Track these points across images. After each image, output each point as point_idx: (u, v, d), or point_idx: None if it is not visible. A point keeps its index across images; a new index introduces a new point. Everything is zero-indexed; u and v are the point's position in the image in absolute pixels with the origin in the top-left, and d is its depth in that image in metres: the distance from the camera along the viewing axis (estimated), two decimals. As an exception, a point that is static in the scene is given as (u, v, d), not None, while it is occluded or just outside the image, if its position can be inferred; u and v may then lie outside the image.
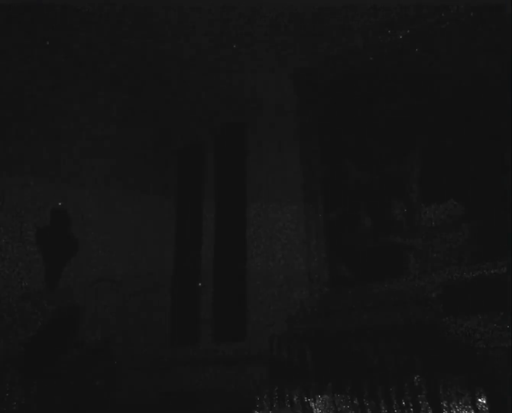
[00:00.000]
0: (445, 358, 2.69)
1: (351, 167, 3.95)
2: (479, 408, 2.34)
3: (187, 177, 5.25)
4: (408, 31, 3.87)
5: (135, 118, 5.33)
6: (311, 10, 4.09)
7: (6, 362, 3.40)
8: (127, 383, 4.15)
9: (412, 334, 2.93)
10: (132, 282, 4.65)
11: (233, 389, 3.74)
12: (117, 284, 4.48)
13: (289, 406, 2.79)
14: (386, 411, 2.55)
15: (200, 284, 4.62)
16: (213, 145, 5.10)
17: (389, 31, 3.96)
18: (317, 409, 2.69)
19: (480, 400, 2.35)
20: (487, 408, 2.33)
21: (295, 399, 2.79)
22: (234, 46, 4.49)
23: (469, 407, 2.36)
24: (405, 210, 3.57)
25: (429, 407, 2.46)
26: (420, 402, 2.49)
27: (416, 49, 3.83)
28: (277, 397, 2.85)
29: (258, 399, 2.89)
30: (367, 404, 2.60)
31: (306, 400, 2.75)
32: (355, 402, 2.63)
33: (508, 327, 2.67)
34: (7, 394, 3.26)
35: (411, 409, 2.50)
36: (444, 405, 2.42)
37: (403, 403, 2.52)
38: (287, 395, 2.83)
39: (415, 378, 2.55)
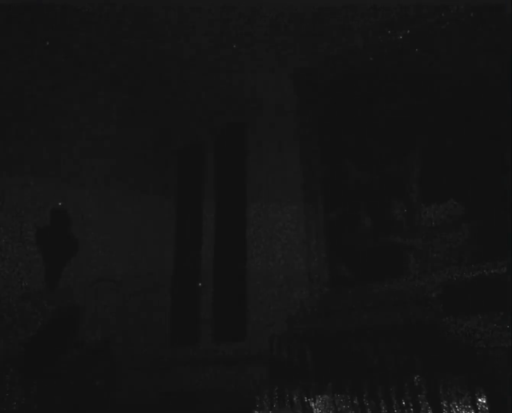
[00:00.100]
0: (445, 358, 2.69)
1: (351, 167, 3.95)
2: (479, 408, 2.34)
3: (187, 177, 5.25)
4: (408, 31, 3.87)
5: (135, 118, 5.33)
6: (311, 10, 4.09)
7: (6, 362, 3.39)
8: (127, 383, 4.15)
9: (412, 334, 2.93)
10: (132, 282, 4.65)
11: (233, 389, 3.74)
12: (117, 284, 4.48)
13: (289, 406, 2.79)
14: (386, 411, 2.55)
15: (200, 284, 4.62)
16: (213, 145, 5.10)
17: (389, 31, 3.96)
18: (317, 409, 2.69)
19: (480, 400, 2.35)
20: (487, 408, 2.33)
21: (295, 399, 2.79)
22: (234, 46, 4.49)
23: (469, 407, 2.36)
24: (405, 210, 3.57)
25: (429, 407, 2.46)
26: (420, 402, 2.49)
27: (416, 49, 3.83)
28: (277, 397, 2.85)
29: (258, 399, 2.89)
30: (367, 404, 2.60)
31: (306, 400, 2.75)
32: (355, 402, 2.63)
33: (508, 327, 2.67)
34: (7, 394, 3.26)
35: (411, 409, 2.50)
36: (444, 405, 2.42)
37: (403, 403, 2.52)
38: (287, 395, 2.83)
39: (415, 378, 2.55)
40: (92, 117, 4.94)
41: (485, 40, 3.49)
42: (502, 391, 2.46)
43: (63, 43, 4.50)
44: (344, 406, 2.64)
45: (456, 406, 2.39)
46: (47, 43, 4.44)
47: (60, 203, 4.27)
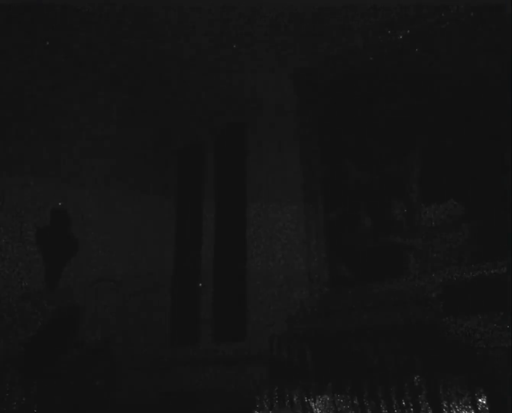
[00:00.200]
0: (445, 358, 2.69)
1: (351, 167, 3.95)
2: (479, 408, 2.34)
3: (187, 177, 5.25)
4: (408, 31, 3.87)
5: (135, 118, 5.33)
6: (311, 10, 4.09)
7: (6, 362, 3.39)
8: (127, 383, 4.15)
9: (412, 334, 2.93)
10: (132, 282, 4.65)
11: (233, 389, 3.74)
12: (117, 284, 4.48)
13: (289, 406, 2.79)
14: (386, 411, 2.55)
15: (200, 284, 4.62)
16: (213, 145, 5.10)
17: (389, 31, 3.96)
18: (317, 409, 2.68)
19: (480, 400, 2.35)
20: (487, 408, 2.33)
21: (295, 399, 2.79)
22: (234, 46, 4.49)
23: (469, 407, 2.36)
24: (405, 210, 3.57)
25: (429, 407, 2.46)
26: (420, 402, 2.49)
27: (416, 49, 3.83)
28: (277, 397, 2.85)
29: (258, 399, 2.89)
30: (367, 404, 2.60)
31: (306, 400, 2.75)
32: (355, 402, 2.63)
33: (508, 327, 2.67)
34: (7, 394, 3.26)
35: (411, 409, 2.50)
36: (444, 405, 2.42)
37: (403, 403, 2.52)
38: (287, 395, 2.83)
39: (415, 378, 2.55)
40: (92, 117, 4.93)
41: (485, 40, 3.49)
42: (502, 391, 2.45)
43: (63, 43, 4.50)
44: (344, 406, 2.64)
45: (456, 406, 2.39)
46: (47, 43, 4.44)
47: (60, 203, 4.27)
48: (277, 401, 2.84)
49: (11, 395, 3.26)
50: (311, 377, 2.99)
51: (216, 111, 5.09)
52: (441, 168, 3.49)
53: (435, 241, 3.35)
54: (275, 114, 4.54)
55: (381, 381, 2.64)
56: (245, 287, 4.25)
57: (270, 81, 4.59)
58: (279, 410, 2.81)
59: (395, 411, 2.53)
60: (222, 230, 4.70)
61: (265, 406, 2.85)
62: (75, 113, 4.80)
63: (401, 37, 3.90)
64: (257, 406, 2.87)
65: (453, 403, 2.40)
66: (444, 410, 2.41)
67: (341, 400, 2.65)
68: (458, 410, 2.38)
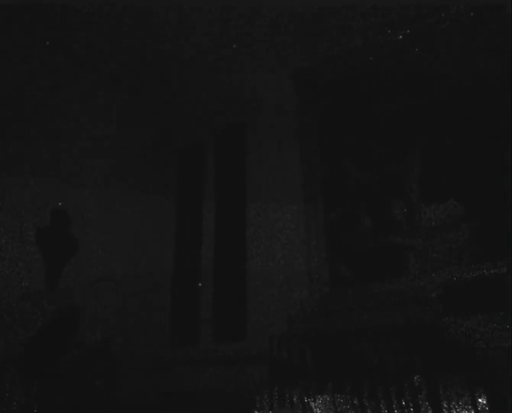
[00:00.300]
0: (445, 358, 2.69)
1: (351, 167, 3.95)
2: (479, 408, 2.34)
3: (187, 177, 5.25)
4: (408, 31, 3.87)
5: (135, 118, 5.33)
6: (311, 10, 4.09)
7: (6, 362, 3.39)
8: (127, 383, 4.15)
9: (412, 334, 2.93)
10: (132, 282, 4.65)
11: (233, 389, 3.74)
12: (117, 284, 4.48)
13: (289, 406, 2.79)
14: (386, 411, 2.55)
15: (200, 284, 4.62)
16: (213, 145, 5.10)
17: (389, 31, 3.96)
18: (317, 409, 2.69)
19: (480, 400, 2.35)
20: (487, 408, 2.33)
21: (295, 399, 2.79)
22: (234, 46, 4.49)
23: (469, 407, 2.36)
24: (405, 210, 3.57)
25: (429, 407, 2.46)
26: (420, 402, 2.49)
27: (416, 49, 3.83)
28: (277, 397, 2.85)
29: (258, 399, 2.89)
30: (367, 404, 2.60)
31: (306, 400, 2.75)
32: (355, 402, 2.63)
33: (508, 327, 2.67)
34: (7, 394, 3.26)
35: (411, 409, 2.50)
36: (444, 405, 2.42)
37: (403, 403, 2.52)
38: (287, 395, 2.83)
39: (415, 378, 2.55)
40: (92, 117, 4.93)
41: (485, 40, 3.49)
42: (502, 391, 2.45)
43: (63, 43, 4.50)
44: (344, 406, 2.64)
45: (456, 406, 2.39)
46: (47, 43, 4.44)
47: (60, 203, 4.27)
48: (277, 401, 2.84)
49: (11, 395, 3.26)
50: (311, 377, 2.99)
51: (216, 111, 5.09)
52: (441, 168, 3.49)
53: (435, 241, 3.35)
54: (275, 114, 4.54)
55: (381, 381, 2.64)
56: (245, 287, 4.25)
57: (270, 81, 4.59)
58: (279, 410, 2.81)
59: (395, 411, 2.53)
60: (222, 230, 4.70)
61: (265, 406, 2.85)
62: (75, 113, 4.80)
63: (401, 37, 3.90)
64: (257, 406, 2.87)
65: (453, 403, 2.40)
66: (444, 410, 2.41)
67: (341, 400, 2.65)
68: (458, 410, 2.38)
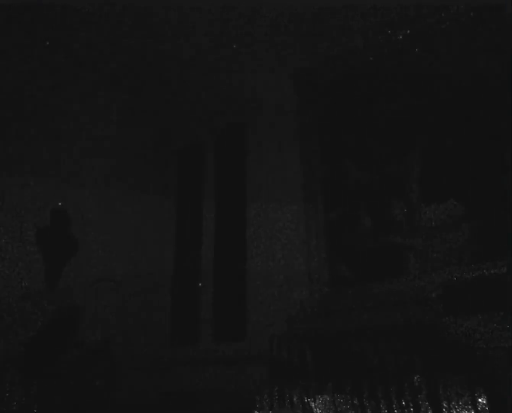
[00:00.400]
0: (445, 358, 2.69)
1: (351, 167, 3.95)
2: (479, 408, 2.34)
3: (187, 177, 5.25)
4: (408, 31, 3.87)
5: (135, 118, 5.33)
6: (311, 10, 4.09)
7: (6, 362, 3.39)
8: (127, 383, 4.15)
9: (412, 334, 2.93)
10: (132, 282, 4.65)
11: (233, 389, 3.74)
12: (117, 284, 4.48)
13: (289, 406, 2.79)
14: (386, 411, 2.55)
15: (200, 284, 4.62)
16: (213, 145, 5.10)
17: (389, 31, 3.96)
18: (317, 409, 2.69)
19: (480, 400, 2.35)
20: (487, 408, 2.33)
21: (295, 399, 2.79)
22: (234, 46, 4.49)
23: (469, 407, 2.36)
24: (405, 210, 3.57)
25: (429, 407, 2.46)
26: (420, 402, 2.49)
27: (416, 49, 3.83)
28: (277, 397, 2.85)
29: (258, 399, 2.89)
30: (367, 404, 2.60)
31: (306, 400, 2.75)
32: (355, 402, 2.63)
33: (508, 327, 2.67)
34: (7, 394, 3.26)
35: (411, 409, 2.50)
36: (444, 405, 2.42)
37: (403, 403, 2.52)
38: (287, 395, 2.83)
39: (415, 378, 2.55)
40: (92, 117, 4.93)
41: (485, 40, 3.49)
42: (502, 391, 2.45)
43: (63, 43, 4.50)
44: (344, 406, 2.64)
45: (456, 406, 2.39)
46: (47, 43, 4.44)
47: (60, 203, 4.27)
48: (277, 401, 2.84)
49: (11, 395, 3.26)
50: (311, 377, 2.99)
51: (216, 111, 5.09)
52: (441, 168, 3.49)
53: (435, 241, 3.35)
54: (275, 114, 4.54)
55: (381, 381, 2.64)
56: (245, 287, 4.25)
57: (270, 81, 4.59)
58: (279, 410, 2.81)
59: (395, 411, 2.53)
60: (222, 230, 4.70)
61: (265, 406, 2.85)
62: (75, 113, 4.80)
63: (401, 37, 3.90)
64: (257, 406, 2.87)
65: (453, 403, 2.40)
66: (444, 410, 2.41)
67: (341, 400, 2.65)
68: (458, 410, 2.38)
